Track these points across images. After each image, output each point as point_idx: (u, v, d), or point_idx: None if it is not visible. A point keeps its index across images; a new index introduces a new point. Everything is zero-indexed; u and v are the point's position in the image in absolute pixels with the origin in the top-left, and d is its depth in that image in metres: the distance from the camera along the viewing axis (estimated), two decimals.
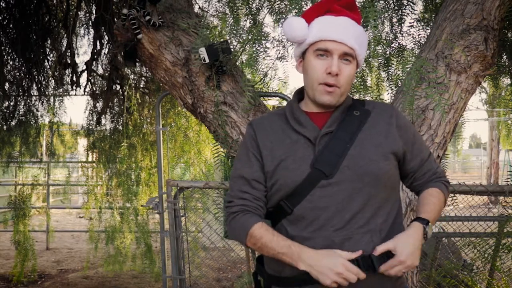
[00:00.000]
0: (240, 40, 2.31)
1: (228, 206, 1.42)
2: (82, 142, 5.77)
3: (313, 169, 1.32)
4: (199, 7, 3.82)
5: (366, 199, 1.31)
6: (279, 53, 2.54)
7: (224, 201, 3.22)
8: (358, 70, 1.46)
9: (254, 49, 2.16)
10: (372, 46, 2.47)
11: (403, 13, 2.62)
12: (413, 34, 2.56)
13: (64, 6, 4.69)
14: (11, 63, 4.52)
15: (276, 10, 2.57)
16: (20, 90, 4.66)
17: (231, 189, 1.44)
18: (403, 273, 1.32)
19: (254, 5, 2.66)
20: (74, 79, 4.79)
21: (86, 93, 4.98)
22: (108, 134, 5.04)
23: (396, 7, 2.65)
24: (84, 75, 4.87)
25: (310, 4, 2.17)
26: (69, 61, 4.70)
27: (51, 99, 5.02)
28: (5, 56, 4.40)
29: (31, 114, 4.83)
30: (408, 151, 1.42)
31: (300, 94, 1.48)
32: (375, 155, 1.33)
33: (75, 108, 13.43)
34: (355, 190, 1.31)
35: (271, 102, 3.18)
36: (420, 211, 1.39)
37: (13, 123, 4.77)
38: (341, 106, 1.40)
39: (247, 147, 1.43)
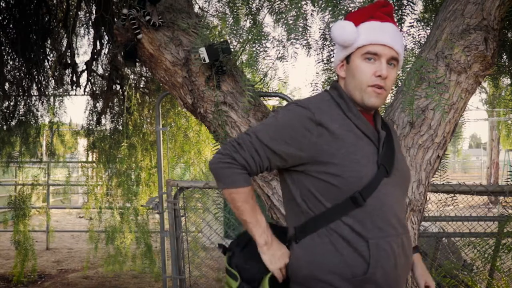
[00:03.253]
0: (240, 40, 2.30)
1: (234, 151, 1.36)
2: (82, 142, 5.77)
3: (380, 166, 1.37)
4: (199, 7, 3.83)
5: (404, 201, 1.48)
6: (279, 53, 2.54)
7: (224, 200, 3.23)
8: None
9: (254, 49, 2.16)
10: None
11: (403, 13, 2.62)
12: (413, 34, 2.56)
13: (64, 6, 4.69)
14: (11, 63, 4.52)
15: (276, 10, 2.57)
16: (20, 90, 4.66)
17: (244, 142, 1.36)
18: None
19: (254, 5, 2.66)
20: (74, 79, 4.80)
21: (86, 93, 4.98)
22: (108, 134, 5.04)
23: (396, 7, 2.65)
24: (84, 75, 4.87)
25: (311, 4, 2.17)
26: (69, 61, 4.70)
27: (51, 99, 5.02)
28: (5, 56, 4.40)
29: (31, 114, 4.84)
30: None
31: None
32: (405, 161, 1.53)
33: (75, 108, 13.46)
34: (402, 191, 1.45)
35: (271, 102, 3.18)
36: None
37: (13, 123, 4.78)
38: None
39: (294, 128, 1.34)
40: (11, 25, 4.26)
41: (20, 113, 4.80)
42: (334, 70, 1.55)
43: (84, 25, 4.88)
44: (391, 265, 1.32)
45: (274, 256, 1.38)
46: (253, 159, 1.35)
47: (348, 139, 1.35)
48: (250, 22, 2.67)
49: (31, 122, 4.87)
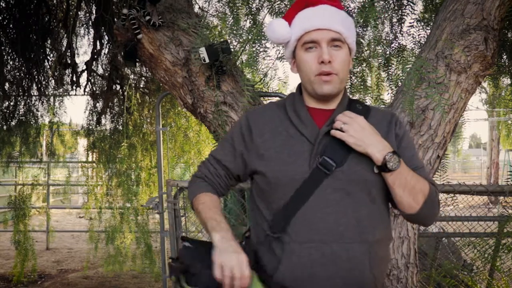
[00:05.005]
0: (240, 40, 2.31)
1: (196, 172, 1.50)
2: (82, 142, 5.77)
3: (316, 168, 1.27)
4: (199, 7, 3.83)
5: (355, 204, 1.26)
6: (279, 53, 2.54)
7: (224, 200, 3.22)
8: (353, 56, 1.41)
9: (254, 49, 2.16)
10: (372, 46, 2.47)
11: (403, 13, 2.62)
12: (413, 34, 2.56)
13: (64, 6, 4.69)
14: (11, 63, 4.52)
15: (276, 10, 2.57)
16: (20, 90, 4.66)
17: (204, 163, 1.49)
18: None
19: (254, 5, 2.66)
20: (74, 79, 4.80)
21: (86, 93, 4.99)
22: (108, 134, 5.04)
23: (396, 7, 2.65)
24: (84, 75, 4.88)
25: None
26: (69, 61, 4.71)
27: (51, 99, 5.02)
28: (5, 56, 4.40)
29: (31, 114, 4.83)
30: (401, 157, 1.34)
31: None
32: (370, 161, 1.28)
33: (75, 108, 13.43)
34: (346, 195, 1.26)
35: None
36: None
37: (13, 123, 4.77)
38: (342, 103, 1.37)
39: (232, 136, 1.43)
40: (11, 25, 4.26)
41: (20, 113, 4.80)
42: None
43: (84, 25, 4.89)
44: (305, 273, 1.23)
45: (226, 250, 1.20)
46: (208, 170, 1.45)
47: (277, 141, 1.33)
48: (250, 22, 2.67)
49: (31, 122, 4.86)
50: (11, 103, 4.74)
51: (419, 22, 2.63)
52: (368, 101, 2.52)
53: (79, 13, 4.66)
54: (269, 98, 2.89)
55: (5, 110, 4.72)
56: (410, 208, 1.31)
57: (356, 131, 1.26)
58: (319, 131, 1.32)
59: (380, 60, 2.64)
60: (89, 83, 4.91)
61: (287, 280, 1.25)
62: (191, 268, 1.22)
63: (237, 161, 1.41)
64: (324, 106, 1.37)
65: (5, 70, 4.44)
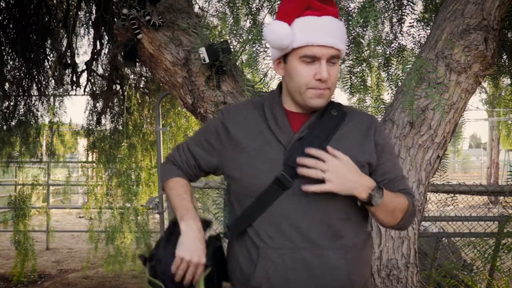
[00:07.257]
0: (240, 40, 2.31)
1: (169, 155, 1.52)
2: (82, 142, 5.77)
3: (280, 173, 1.26)
4: (199, 7, 3.83)
5: (324, 211, 1.26)
6: None
7: (224, 200, 3.23)
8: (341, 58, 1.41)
9: (254, 49, 2.16)
10: (372, 46, 2.47)
11: (403, 13, 2.62)
12: (413, 34, 2.56)
13: (64, 6, 4.69)
14: (11, 63, 4.52)
15: (276, 10, 2.56)
16: (20, 90, 4.66)
17: (178, 148, 1.49)
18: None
19: (254, 5, 2.66)
20: (74, 79, 4.80)
21: (86, 93, 4.99)
22: (108, 134, 5.04)
23: (396, 7, 2.65)
24: (84, 75, 4.88)
25: None
26: (69, 61, 4.71)
27: (51, 99, 5.02)
28: (5, 56, 4.40)
29: (31, 114, 4.84)
30: (380, 166, 1.36)
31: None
32: None
33: (75, 108, 13.43)
34: (314, 201, 1.26)
35: None
36: None
37: (13, 123, 4.78)
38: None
39: (209, 131, 1.42)
40: (11, 25, 4.26)
41: (20, 113, 4.80)
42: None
43: (84, 25, 4.89)
44: (279, 278, 1.25)
45: (188, 240, 1.27)
46: (180, 157, 1.46)
47: (252, 144, 1.31)
48: (250, 22, 2.67)
49: (31, 122, 4.87)
50: (11, 103, 4.74)
51: (419, 22, 2.63)
52: (368, 101, 2.52)
53: (79, 13, 4.66)
54: None
55: (5, 110, 4.72)
56: (388, 224, 1.36)
57: (340, 178, 1.21)
58: (293, 135, 1.30)
59: (380, 60, 2.64)
60: (89, 83, 4.91)
61: (263, 284, 1.27)
62: (152, 260, 1.31)
63: (208, 158, 1.41)
64: (302, 111, 1.35)
65: (5, 70, 4.44)
